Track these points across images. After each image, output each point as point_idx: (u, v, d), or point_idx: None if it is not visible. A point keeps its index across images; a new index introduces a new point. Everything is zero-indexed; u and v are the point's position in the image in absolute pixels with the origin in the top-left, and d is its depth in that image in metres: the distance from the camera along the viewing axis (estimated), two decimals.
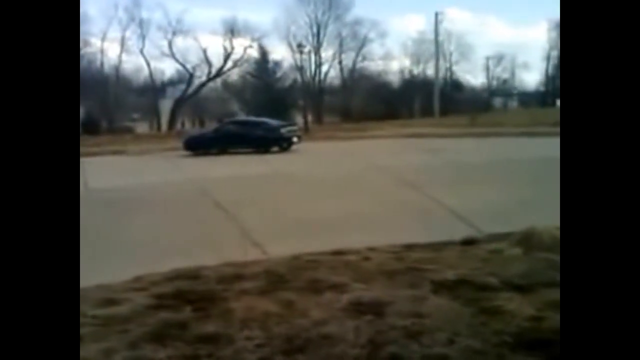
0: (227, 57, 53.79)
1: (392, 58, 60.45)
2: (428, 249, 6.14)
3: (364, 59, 58.52)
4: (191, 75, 53.49)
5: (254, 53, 56.06)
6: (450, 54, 60.61)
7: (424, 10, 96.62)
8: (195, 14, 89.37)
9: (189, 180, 14.23)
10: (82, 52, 43.16)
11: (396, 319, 3.90)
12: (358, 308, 4.15)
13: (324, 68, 58.52)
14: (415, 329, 3.71)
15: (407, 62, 61.42)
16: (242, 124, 26.29)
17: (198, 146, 24.14)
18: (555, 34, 61.36)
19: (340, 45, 58.00)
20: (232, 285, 4.88)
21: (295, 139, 24.40)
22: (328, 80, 59.74)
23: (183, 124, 55.78)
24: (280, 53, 64.04)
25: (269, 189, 12.75)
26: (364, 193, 11.59)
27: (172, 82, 56.68)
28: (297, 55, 52.51)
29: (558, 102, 56.42)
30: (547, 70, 65.18)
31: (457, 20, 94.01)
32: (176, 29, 51.48)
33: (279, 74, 59.46)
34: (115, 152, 25.55)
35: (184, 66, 53.44)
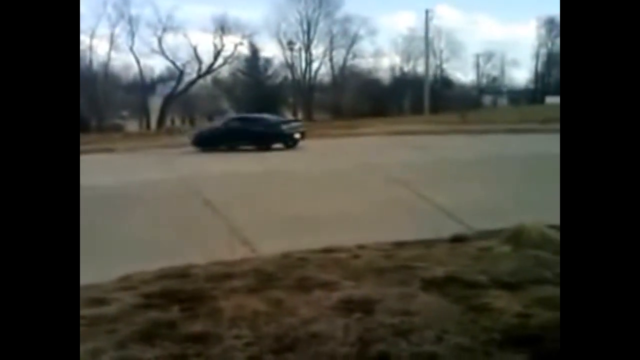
0: (217, 54, 53.63)
1: (382, 55, 60.51)
2: (418, 247, 6.15)
3: (355, 56, 58.54)
4: (181, 73, 53.26)
5: (244, 50, 55.95)
6: (441, 52, 60.75)
7: (415, 7, 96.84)
8: (186, 10, 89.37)
9: (180, 178, 14.20)
10: None
11: (385, 317, 3.90)
12: (347, 306, 4.14)
13: (315, 65, 58.54)
14: (404, 327, 3.71)
15: (397, 60, 61.51)
16: (246, 121, 25.98)
17: (205, 143, 23.98)
18: (545, 32, 61.74)
19: (331, 42, 58.02)
20: (221, 284, 4.87)
21: (297, 135, 24.07)
22: (318, 77, 59.76)
23: (173, 122, 55.50)
24: (270, 50, 64.13)
25: (258, 187, 12.74)
26: (354, 191, 11.61)
27: (162, 80, 56.42)
28: (288, 53, 52.70)
29: (547, 99, 56.68)
30: (536, 68, 65.50)
31: (447, 17, 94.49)
32: (166, 26, 51.23)
33: (269, 72, 59.39)
34: (105, 150, 25.42)
35: (174, 63, 53.23)
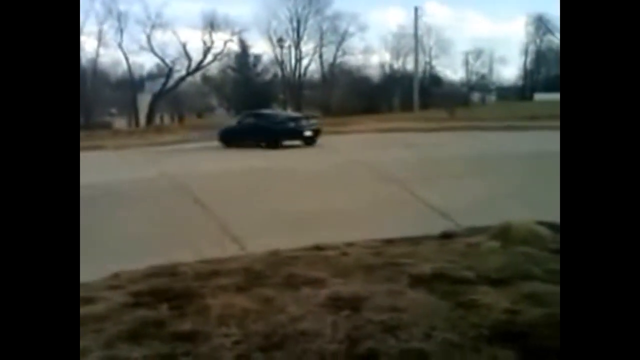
0: (206, 51, 53.45)
1: (372, 52, 60.65)
2: (406, 244, 6.16)
3: (344, 53, 58.51)
4: (170, 70, 53.06)
5: (234, 47, 55.83)
6: (430, 49, 60.83)
7: (404, 4, 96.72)
8: (175, 7, 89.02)
9: (172, 175, 14.16)
10: None
11: (374, 314, 3.90)
12: (336, 303, 4.14)
13: (304, 62, 58.49)
14: (392, 324, 3.71)
15: (387, 57, 61.57)
16: (260, 117, 25.66)
17: (229, 139, 24.09)
18: (533, 29, 61.95)
19: (321, 39, 57.93)
20: (210, 282, 4.86)
21: (308, 133, 23.17)
22: (308, 74, 59.71)
23: (162, 119, 55.37)
24: (260, 47, 64.09)
25: (246, 184, 12.72)
26: (344, 188, 11.63)
27: (151, 77, 56.26)
28: (278, 50, 52.64)
29: (535, 96, 56.94)
30: (524, 65, 65.73)
31: (436, 14, 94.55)
32: (155, 23, 50.98)
33: (259, 68, 59.34)
34: (93, 148, 25.29)
35: (163, 60, 53.04)
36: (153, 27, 51.04)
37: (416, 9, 52.81)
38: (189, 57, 53.07)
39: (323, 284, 4.67)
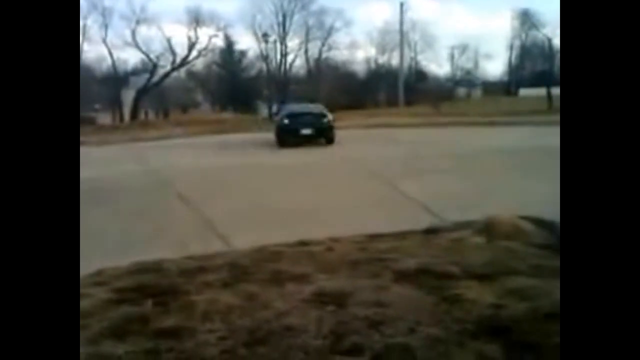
0: (191, 46, 53.06)
1: (357, 48, 60.71)
2: (391, 239, 6.17)
3: (330, 48, 58.45)
4: (155, 65, 52.71)
5: (219, 42, 55.53)
6: (415, 44, 60.92)
7: None
8: (159, 2, 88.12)
9: (156, 170, 14.11)
10: None
11: (358, 309, 3.91)
12: (321, 299, 4.15)
13: (290, 58, 58.32)
14: (377, 319, 3.72)
15: (372, 52, 61.64)
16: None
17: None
18: (518, 24, 62.15)
19: (306, 34, 57.81)
20: (195, 278, 4.84)
21: (305, 132, 20.46)
22: (294, 70, 59.56)
23: (147, 115, 55.07)
24: (245, 43, 63.90)
25: (235, 180, 12.69)
26: (329, 184, 11.64)
27: (135, 72, 55.79)
28: (263, 45, 52.33)
29: (521, 92, 57.19)
30: (510, 60, 65.97)
31: (421, 9, 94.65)
32: (140, 18, 50.44)
33: (244, 64, 59.16)
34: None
35: (147, 56, 52.58)
36: (138, 22, 50.61)
37: (401, 4, 52.88)
38: (173, 53, 52.75)
39: (308, 279, 4.67)
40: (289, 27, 57.10)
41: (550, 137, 16.39)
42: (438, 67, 65.20)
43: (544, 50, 53.50)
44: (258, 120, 40.66)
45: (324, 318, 3.79)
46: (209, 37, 53.42)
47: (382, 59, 61.06)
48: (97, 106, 54.02)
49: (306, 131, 20.39)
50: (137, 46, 51.67)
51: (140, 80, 53.89)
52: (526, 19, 60.40)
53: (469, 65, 64.97)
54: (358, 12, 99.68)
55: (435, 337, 3.46)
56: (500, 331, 3.51)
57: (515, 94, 59.03)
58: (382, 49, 60.58)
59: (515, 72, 66.25)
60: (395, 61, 57.94)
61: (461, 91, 65.44)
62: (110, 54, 52.12)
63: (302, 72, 60.41)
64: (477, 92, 66.97)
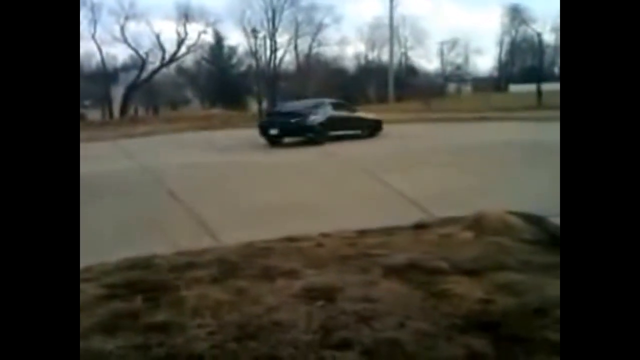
0: (180, 42, 53.03)
1: (347, 43, 60.80)
2: (381, 234, 6.18)
3: (320, 44, 58.59)
4: (144, 61, 52.56)
5: (208, 38, 55.57)
6: (405, 40, 61.10)
7: None
8: None
9: (144, 167, 14.07)
10: None
11: (348, 304, 3.92)
12: (310, 294, 4.15)
13: (279, 54, 58.44)
14: (366, 314, 3.73)
15: (362, 48, 61.79)
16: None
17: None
18: (508, 19, 62.35)
19: (296, 30, 57.93)
20: (184, 274, 4.84)
21: (273, 132, 19.89)
22: (283, 66, 59.66)
23: (136, 111, 54.88)
24: (235, 38, 63.78)
25: (224, 177, 12.68)
26: (319, 180, 11.64)
27: (124, 68, 55.66)
28: (252, 41, 52.32)
29: (511, 87, 57.36)
30: (500, 56, 66.17)
31: (411, 4, 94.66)
32: (129, 14, 50.45)
33: (233, 60, 59.13)
34: None
35: (136, 52, 52.50)
36: (127, 17, 50.56)
37: (391, 0, 52.84)
38: (162, 49, 52.65)
39: (297, 275, 4.68)
40: (278, 23, 57.25)
41: (539, 133, 16.47)
42: (428, 62, 65.55)
43: (534, 46, 53.73)
44: (247, 117, 40.56)
45: (314, 313, 3.80)
46: (198, 33, 53.47)
47: (372, 55, 61.34)
48: (86, 102, 53.77)
49: (273, 131, 20.00)
50: (126, 42, 51.62)
51: (130, 77, 53.76)
52: (516, 14, 60.64)
53: (459, 60, 65.22)
54: (348, 8, 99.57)
55: (424, 332, 3.48)
56: (489, 326, 3.54)
57: (505, 89, 59.22)
58: (372, 44, 60.82)
59: (505, 68, 66.47)
60: (385, 57, 58.11)
61: (451, 87, 65.59)
62: (99, 50, 52.04)
63: (292, 68, 60.50)
64: (467, 88, 67.15)
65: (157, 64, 53.31)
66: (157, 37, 52.15)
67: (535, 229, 5.87)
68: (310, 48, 58.90)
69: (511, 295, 4.00)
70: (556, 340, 3.08)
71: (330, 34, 60.37)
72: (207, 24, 53.53)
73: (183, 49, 53.74)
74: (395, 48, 56.85)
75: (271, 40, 56.67)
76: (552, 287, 3.86)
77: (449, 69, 65.45)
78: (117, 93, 52.55)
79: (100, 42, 51.46)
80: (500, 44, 65.10)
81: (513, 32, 63.70)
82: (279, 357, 3.25)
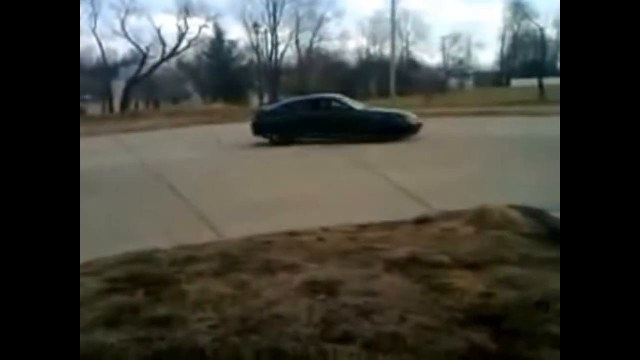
0: (181, 36, 52.86)
1: (349, 38, 60.71)
2: (382, 229, 6.18)
3: (321, 39, 58.41)
4: (145, 56, 52.46)
5: (209, 33, 55.35)
6: (407, 34, 60.93)
7: None
8: None
9: (144, 162, 14.07)
10: None
11: (349, 298, 3.93)
12: (312, 288, 4.16)
13: (281, 48, 58.23)
14: (367, 308, 3.74)
15: (364, 42, 61.62)
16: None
17: None
18: (511, 14, 62.11)
19: (297, 25, 57.71)
20: (186, 267, 4.85)
21: None
22: (285, 60, 59.49)
23: (137, 105, 54.82)
24: (236, 33, 63.70)
25: (225, 171, 12.68)
26: (319, 174, 11.65)
27: (125, 63, 55.53)
28: (253, 35, 52.29)
29: (513, 82, 57.27)
30: (502, 50, 66.00)
31: None
32: (129, 8, 50.28)
33: (234, 54, 58.99)
34: None
35: (137, 46, 52.34)
36: (127, 12, 50.40)
37: None
38: (163, 43, 52.49)
39: (299, 269, 4.69)
40: (279, 17, 57.03)
41: (541, 127, 16.43)
42: (430, 57, 65.37)
43: (536, 41, 53.62)
44: (249, 112, 40.51)
45: (315, 307, 3.81)
46: (199, 28, 53.28)
47: (373, 49, 61.15)
48: (87, 97, 53.73)
49: None
50: (126, 36, 51.50)
51: (130, 71, 53.62)
52: (518, 9, 60.40)
53: (461, 55, 65.08)
54: (349, 2, 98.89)
55: (425, 326, 3.48)
56: (490, 320, 3.54)
57: (508, 84, 59.12)
58: (373, 39, 60.62)
59: (507, 62, 66.32)
60: (387, 51, 57.77)
61: (453, 82, 65.47)
62: (100, 44, 51.94)
63: (293, 62, 60.35)
64: (470, 83, 67.02)
65: (158, 58, 53.19)
66: (158, 31, 52.08)
67: (535, 223, 5.86)
68: (311, 42, 58.78)
69: (512, 289, 4.00)
70: (557, 333, 3.08)
71: (332, 29, 60.17)
72: (208, 18, 53.46)
73: (184, 44, 53.66)
74: (397, 42, 56.65)
75: (272, 34, 56.63)
76: (552, 281, 3.86)
77: (451, 63, 65.33)
78: (118, 87, 52.41)
79: (101, 36, 51.48)
80: (503, 38, 64.91)
81: (515, 27, 63.41)
82: (281, 351, 3.26)
